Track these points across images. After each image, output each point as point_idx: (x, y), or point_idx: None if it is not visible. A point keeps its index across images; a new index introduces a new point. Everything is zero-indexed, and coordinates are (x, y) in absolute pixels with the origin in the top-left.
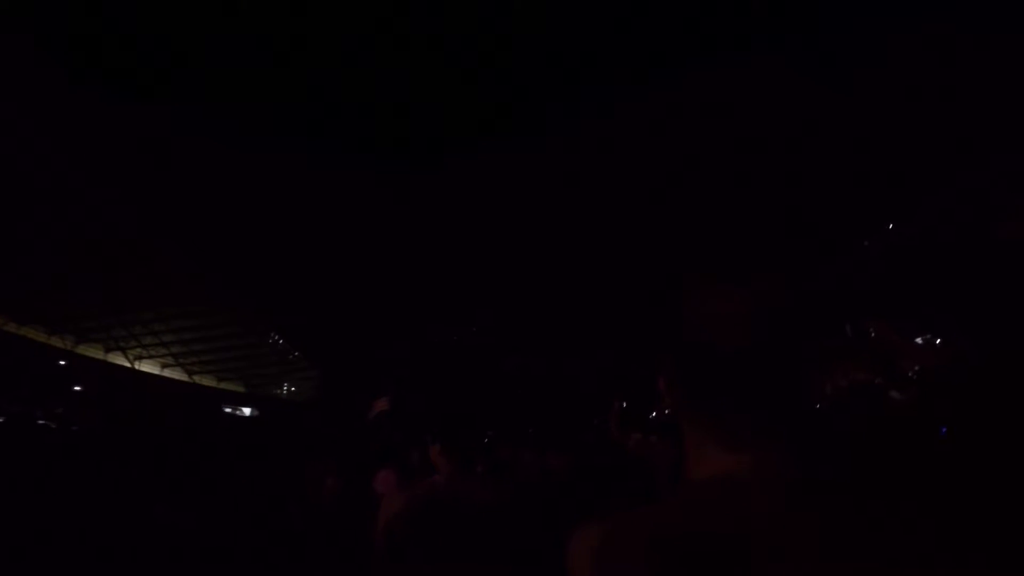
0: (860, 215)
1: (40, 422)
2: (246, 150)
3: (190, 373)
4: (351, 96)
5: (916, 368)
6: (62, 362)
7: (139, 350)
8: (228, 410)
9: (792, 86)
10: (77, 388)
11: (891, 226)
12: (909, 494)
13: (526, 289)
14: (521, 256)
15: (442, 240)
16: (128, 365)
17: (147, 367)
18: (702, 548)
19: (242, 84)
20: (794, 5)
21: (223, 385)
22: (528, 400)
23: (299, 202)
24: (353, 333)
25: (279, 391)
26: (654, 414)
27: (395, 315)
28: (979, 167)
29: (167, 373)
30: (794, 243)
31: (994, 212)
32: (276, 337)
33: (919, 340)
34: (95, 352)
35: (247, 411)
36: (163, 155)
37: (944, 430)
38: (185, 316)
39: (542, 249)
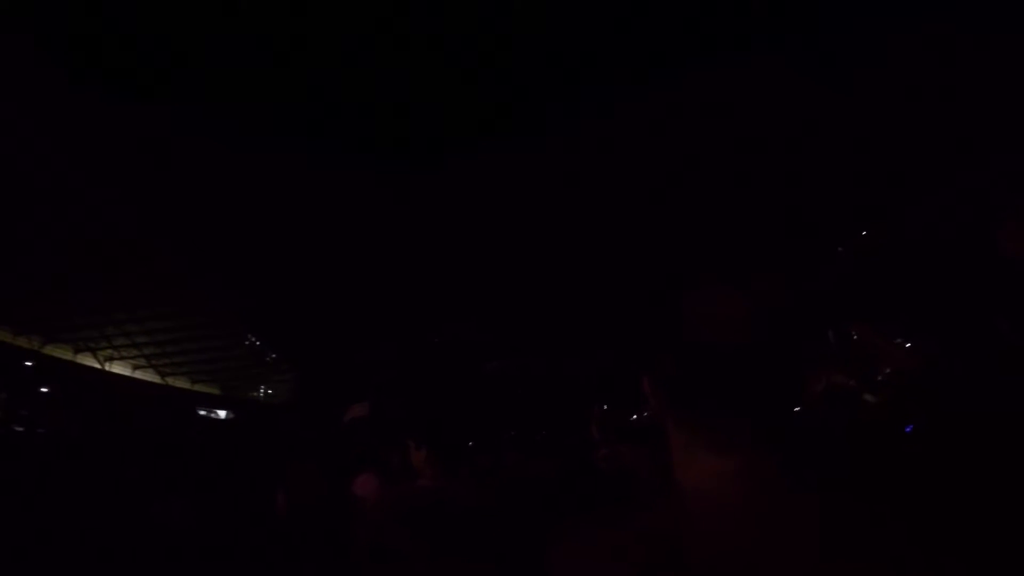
0: (859, 215)
1: (5, 425)
2: (243, 150)
3: (163, 375)
4: (351, 96)
5: (888, 371)
6: (28, 363)
7: (110, 351)
8: (203, 412)
9: (792, 86)
10: (44, 390)
11: (864, 233)
12: (887, 496)
13: (521, 290)
14: (518, 257)
15: (436, 241)
16: (98, 366)
17: (118, 368)
18: (692, 550)
19: (242, 84)
20: (794, 5)
21: (197, 387)
22: (512, 403)
23: (290, 201)
24: (333, 335)
25: (255, 393)
26: (635, 417)
27: (377, 317)
28: (978, 167)
29: (139, 375)
30: (794, 243)
31: (992, 212)
32: (253, 339)
33: (900, 342)
34: (63, 353)
35: (222, 413)
36: (153, 154)
37: (909, 429)
38: (159, 317)
39: (540, 250)
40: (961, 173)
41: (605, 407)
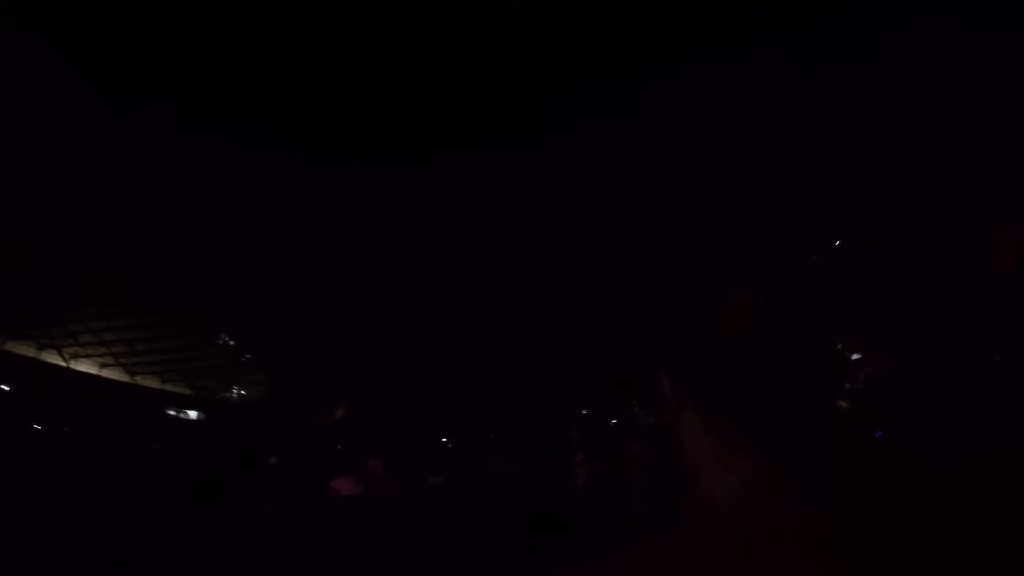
0: (858, 215)
1: None
2: (237, 149)
3: (132, 374)
4: (349, 95)
5: (863, 378)
6: None
7: (75, 348)
8: (172, 413)
9: (792, 87)
10: (5, 388)
11: (838, 243)
12: (902, 496)
13: (518, 292)
14: (516, 258)
15: (431, 242)
16: (63, 364)
17: (84, 367)
18: (725, 555)
19: (240, 84)
20: (794, 5)
21: (167, 387)
22: (494, 407)
23: (279, 200)
24: (311, 336)
25: (228, 394)
26: (614, 422)
27: (360, 319)
28: (974, 170)
29: (106, 373)
30: (792, 244)
31: (981, 220)
32: (226, 338)
33: (878, 348)
34: (26, 350)
35: (193, 414)
36: (128, 150)
37: (879, 435)
38: (129, 313)
39: (539, 250)
40: (958, 175)
41: (584, 411)
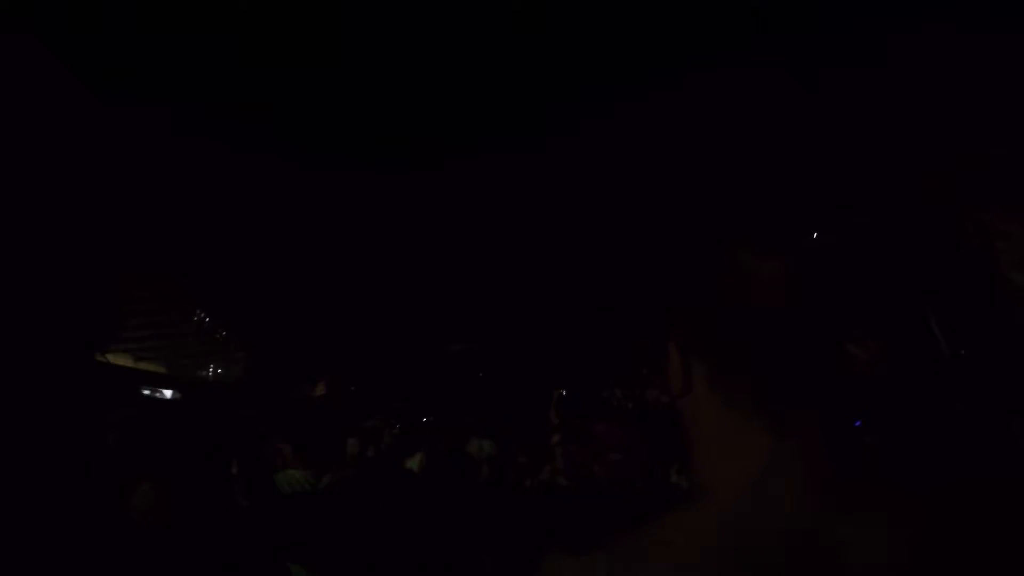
0: (859, 217)
1: None
2: (234, 148)
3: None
4: (348, 94)
5: (874, 363)
6: None
7: None
8: (146, 392)
9: (793, 87)
10: None
11: (816, 235)
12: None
13: (516, 292)
14: (516, 258)
15: (426, 240)
16: None
17: None
18: (772, 543)
19: (239, 82)
20: (794, 5)
21: (141, 365)
22: (480, 387)
23: (271, 199)
24: (291, 315)
25: (205, 373)
26: (593, 403)
27: (357, 320)
28: (978, 170)
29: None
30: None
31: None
32: (202, 315)
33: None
34: None
35: (168, 393)
36: (134, 149)
37: (858, 424)
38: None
39: (538, 250)
40: (957, 176)
41: (564, 392)
